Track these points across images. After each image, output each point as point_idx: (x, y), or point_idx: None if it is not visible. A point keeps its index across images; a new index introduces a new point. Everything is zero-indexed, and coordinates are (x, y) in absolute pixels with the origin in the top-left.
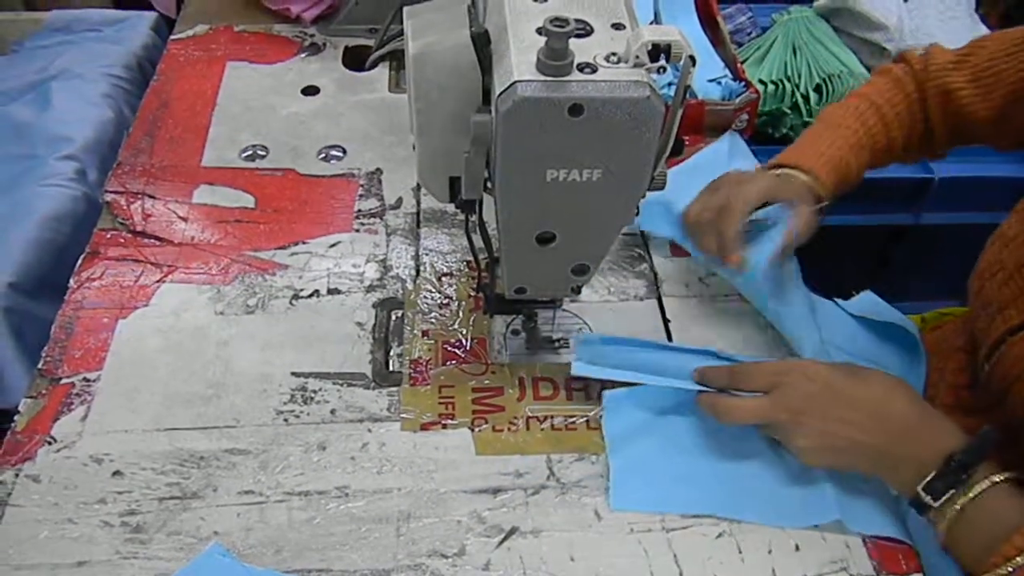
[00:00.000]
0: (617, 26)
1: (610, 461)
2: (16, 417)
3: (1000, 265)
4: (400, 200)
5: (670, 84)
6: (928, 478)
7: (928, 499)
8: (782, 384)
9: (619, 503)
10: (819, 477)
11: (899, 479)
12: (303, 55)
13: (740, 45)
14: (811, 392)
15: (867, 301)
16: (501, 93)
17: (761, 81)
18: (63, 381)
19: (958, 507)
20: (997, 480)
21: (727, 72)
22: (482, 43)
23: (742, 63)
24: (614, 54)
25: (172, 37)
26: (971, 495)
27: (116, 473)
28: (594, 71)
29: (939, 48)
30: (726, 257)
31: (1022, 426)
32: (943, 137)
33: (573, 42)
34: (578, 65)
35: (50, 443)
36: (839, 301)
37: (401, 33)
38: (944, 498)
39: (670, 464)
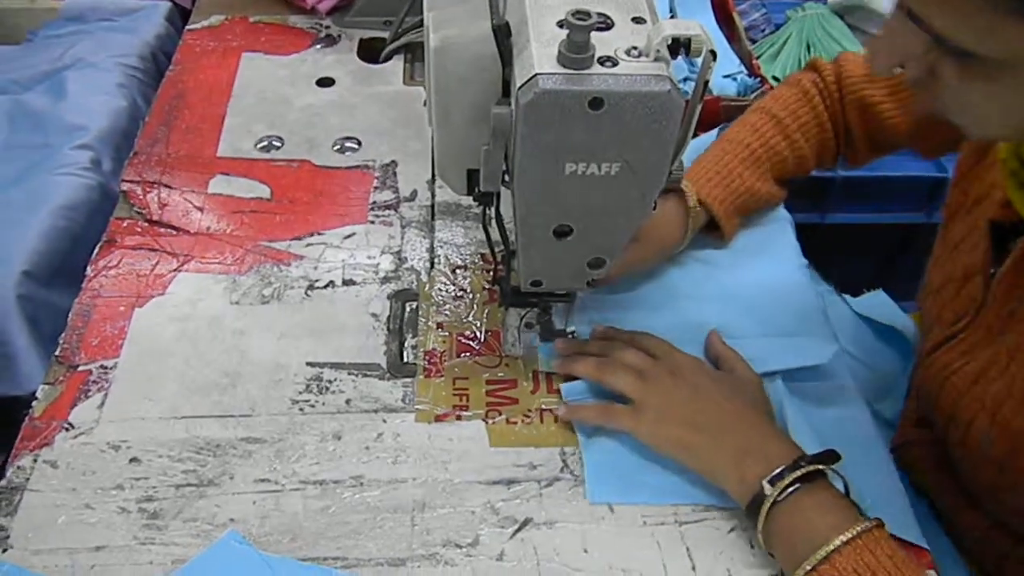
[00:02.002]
0: (638, 20)
1: (583, 454)
2: (34, 403)
3: (931, 284)
4: (415, 192)
5: (686, 79)
6: (777, 470)
7: (768, 488)
8: (646, 385)
9: (597, 496)
10: None
11: (746, 471)
12: (318, 46)
13: (754, 42)
14: (677, 391)
15: (876, 300)
16: (522, 85)
17: (775, 77)
18: (80, 368)
19: (792, 488)
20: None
21: (742, 68)
22: (503, 35)
23: (757, 59)
24: (635, 48)
25: (188, 27)
26: (802, 473)
27: (133, 460)
28: (615, 64)
29: (851, 57)
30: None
31: (946, 444)
32: (865, 147)
33: (594, 35)
34: (599, 58)
35: (67, 429)
36: (848, 298)
37: (416, 26)
38: (785, 487)
39: (643, 450)
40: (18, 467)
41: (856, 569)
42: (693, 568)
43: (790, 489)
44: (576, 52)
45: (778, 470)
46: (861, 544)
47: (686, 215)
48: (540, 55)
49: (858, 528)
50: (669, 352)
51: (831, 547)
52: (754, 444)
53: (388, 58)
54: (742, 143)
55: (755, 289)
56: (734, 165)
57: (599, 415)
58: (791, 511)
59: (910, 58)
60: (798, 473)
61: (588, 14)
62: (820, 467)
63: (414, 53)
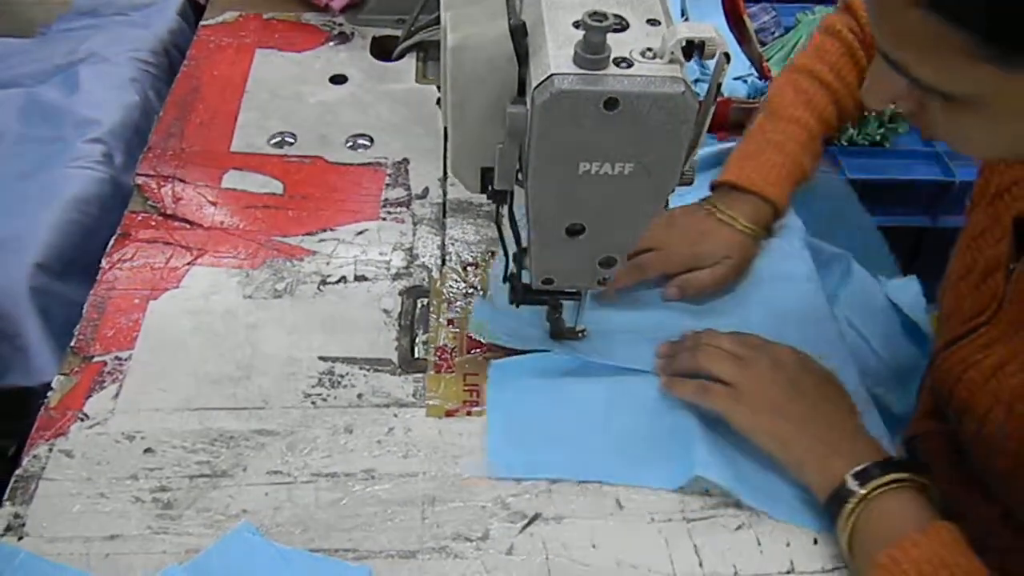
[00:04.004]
0: (652, 22)
1: (488, 427)
2: (49, 393)
3: (952, 276)
4: (426, 190)
5: (697, 81)
6: (863, 465)
7: (854, 484)
8: (744, 371)
9: (495, 470)
10: (692, 440)
11: (827, 469)
12: (331, 44)
13: (763, 44)
14: (775, 380)
15: (908, 288)
16: (538, 85)
17: None
18: (95, 359)
19: (886, 488)
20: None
21: (753, 70)
22: (519, 35)
23: (767, 61)
24: (650, 49)
25: (202, 23)
26: (896, 480)
27: (147, 450)
28: (630, 66)
29: None
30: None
31: (960, 437)
32: None
33: (609, 37)
34: (614, 59)
35: (82, 419)
36: (882, 280)
37: (429, 24)
38: (874, 485)
39: (547, 428)
40: (34, 456)
41: (929, 560)
42: (700, 564)
43: (879, 489)
44: (592, 53)
45: (863, 466)
46: (937, 539)
47: (757, 233)
48: (556, 55)
49: (934, 525)
50: (767, 343)
51: (904, 538)
52: (843, 441)
53: (401, 56)
54: (799, 121)
55: (761, 282)
56: (797, 152)
57: (696, 392)
58: (876, 509)
59: (898, 96)
60: (888, 478)
61: (605, 15)
62: (908, 475)
63: (427, 51)
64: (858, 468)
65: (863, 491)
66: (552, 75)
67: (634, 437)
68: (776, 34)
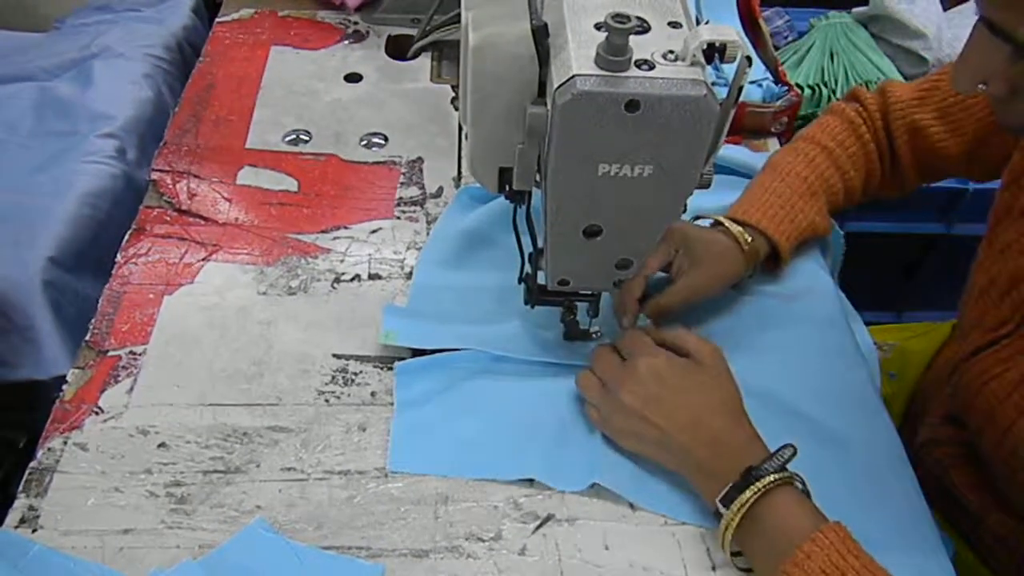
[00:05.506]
0: (674, 24)
1: (393, 423)
2: (64, 387)
3: (973, 287)
4: (441, 189)
5: (713, 84)
6: (726, 489)
7: (722, 509)
8: (603, 396)
9: (397, 464)
10: (595, 444)
11: (703, 486)
12: (346, 42)
13: (777, 49)
14: (648, 388)
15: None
16: (559, 86)
17: (798, 85)
18: (110, 353)
19: (746, 508)
20: (779, 482)
21: (768, 74)
22: (541, 36)
23: (781, 65)
24: (671, 52)
25: (217, 20)
26: (754, 494)
27: (161, 445)
28: (651, 68)
29: (895, 84)
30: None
31: (980, 446)
32: (913, 174)
33: (631, 39)
34: (636, 61)
35: (97, 413)
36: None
37: (444, 24)
38: (734, 506)
39: (453, 427)
40: (48, 449)
41: (824, 569)
42: (713, 568)
43: (746, 504)
44: (614, 55)
45: (725, 490)
46: (829, 545)
47: (749, 249)
48: (578, 56)
49: (821, 530)
50: (635, 355)
51: (797, 551)
52: (706, 462)
53: (416, 55)
54: (799, 176)
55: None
56: (795, 200)
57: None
58: (750, 526)
59: (993, 75)
60: (748, 493)
61: (628, 17)
62: (770, 480)
63: (442, 51)
64: (722, 494)
65: (730, 515)
66: (574, 76)
67: (537, 438)
68: (789, 39)
